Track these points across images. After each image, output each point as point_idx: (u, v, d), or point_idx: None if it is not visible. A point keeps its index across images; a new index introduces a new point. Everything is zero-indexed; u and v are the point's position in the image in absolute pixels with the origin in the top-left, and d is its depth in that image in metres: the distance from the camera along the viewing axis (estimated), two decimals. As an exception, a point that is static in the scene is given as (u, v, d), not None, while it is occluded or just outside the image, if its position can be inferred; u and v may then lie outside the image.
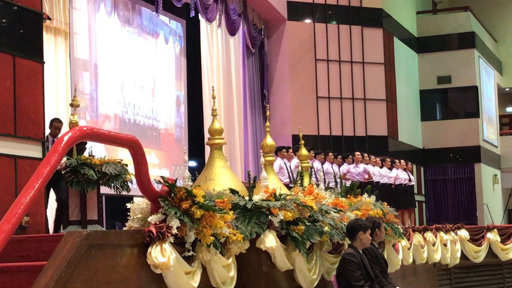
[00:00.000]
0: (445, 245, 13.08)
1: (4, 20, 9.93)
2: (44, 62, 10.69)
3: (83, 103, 13.69)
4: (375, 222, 8.49)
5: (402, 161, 17.94)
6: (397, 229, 9.82)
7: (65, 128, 10.75)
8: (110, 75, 14.83)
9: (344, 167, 16.27)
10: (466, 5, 28.92)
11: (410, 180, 17.81)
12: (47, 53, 12.28)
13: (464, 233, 13.80)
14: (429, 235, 12.45)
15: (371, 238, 7.83)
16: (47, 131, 10.37)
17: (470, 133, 27.09)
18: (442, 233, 13.01)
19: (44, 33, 11.66)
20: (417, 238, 11.83)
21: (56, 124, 10.69)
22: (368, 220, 8.32)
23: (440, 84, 27.54)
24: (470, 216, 25.98)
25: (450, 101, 28.51)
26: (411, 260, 11.34)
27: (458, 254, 13.54)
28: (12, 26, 10.05)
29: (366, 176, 16.16)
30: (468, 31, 27.58)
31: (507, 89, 33.15)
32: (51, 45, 13.43)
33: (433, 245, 12.60)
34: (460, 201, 27.04)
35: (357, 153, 16.73)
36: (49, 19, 12.86)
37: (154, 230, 5.37)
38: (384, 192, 15.44)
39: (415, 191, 24.55)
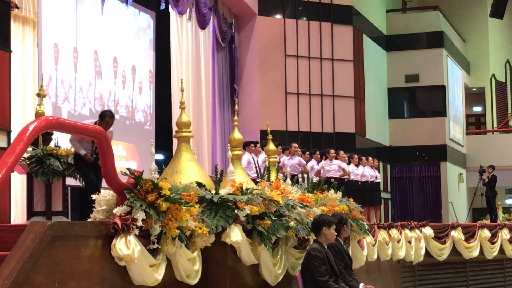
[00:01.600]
0: (409, 242, 13.17)
1: (-29, 8, 9.82)
2: (11, 51, 10.60)
3: (57, 93, 13.58)
4: (342, 219, 8.51)
5: (369, 158, 18.02)
6: (362, 226, 9.86)
7: (32, 118, 10.66)
8: (79, 66, 14.71)
9: (313, 163, 16.29)
10: (436, 4, 29.15)
11: (376, 177, 17.91)
12: (14, 42, 12.17)
13: (428, 230, 13.90)
14: (394, 232, 12.52)
15: (336, 233, 7.85)
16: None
17: (436, 132, 27.31)
18: (407, 230, 13.10)
19: (12, 22, 11.56)
20: (382, 234, 11.90)
21: (108, 119, 8.91)
22: (335, 216, 8.35)
23: (408, 82, 27.73)
24: (435, 214, 26.20)
25: (417, 99, 28.72)
26: (375, 257, 11.41)
27: (423, 252, 13.64)
28: (-20, 14, 9.95)
29: (341, 173, 16.20)
30: (437, 31, 27.78)
31: (474, 89, 33.45)
32: (19, 34, 13.30)
33: (398, 242, 12.69)
34: (426, 199, 27.25)
35: (332, 150, 16.80)
36: (17, 7, 12.73)
37: (119, 222, 5.34)
38: (351, 188, 15.50)
39: (381, 188, 24.70)
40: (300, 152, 15.72)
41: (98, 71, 15.36)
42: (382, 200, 22.67)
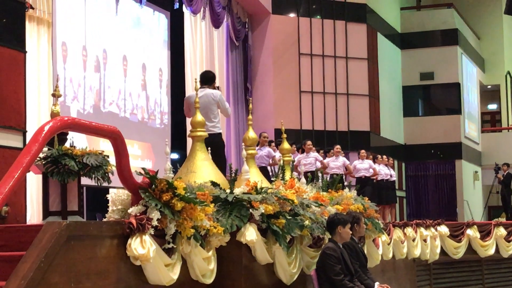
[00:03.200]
0: (425, 240, 13.13)
1: (-14, 9, 9.87)
2: (26, 52, 10.63)
3: (71, 94, 13.63)
4: (354, 217, 8.50)
5: (384, 156, 18.00)
6: (377, 224, 9.84)
7: (47, 119, 10.70)
8: (92, 66, 14.75)
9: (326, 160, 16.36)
10: (450, 2, 29.02)
11: (391, 175, 17.88)
12: (29, 43, 12.21)
13: (444, 229, 13.85)
14: (409, 230, 12.49)
15: (351, 232, 7.84)
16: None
17: (451, 129, 27.21)
18: (422, 229, 13.05)
19: (26, 22, 11.60)
20: (397, 233, 11.87)
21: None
22: (348, 215, 8.33)
23: (422, 80, 27.64)
24: (450, 212, 26.11)
25: (432, 97, 28.63)
26: (391, 255, 11.38)
27: (438, 250, 13.59)
28: (-5, 15, 9.98)
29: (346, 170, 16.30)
30: (452, 28, 27.69)
31: (489, 87, 33.31)
32: (34, 35, 13.34)
33: (413, 240, 12.65)
34: (441, 197, 27.17)
35: (337, 146, 16.81)
36: (32, 8, 12.77)
37: (134, 222, 5.35)
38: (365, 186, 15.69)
39: (396, 186, 24.66)
40: (315, 149, 15.79)
41: (113, 71, 15.40)
42: (397, 199, 22.65)
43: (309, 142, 15.64)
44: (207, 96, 9.31)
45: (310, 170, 14.00)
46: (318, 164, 15.29)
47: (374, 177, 16.85)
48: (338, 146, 16.50)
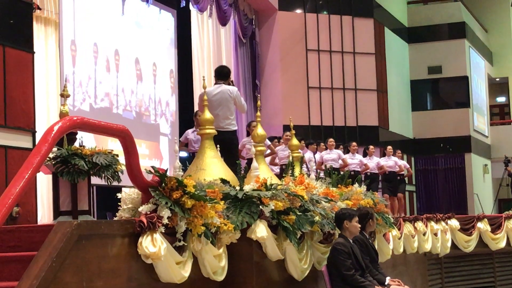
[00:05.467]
0: (435, 234, 13.12)
1: (-6, 10, 9.90)
2: (34, 52, 10.68)
3: (79, 94, 13.65)
4: (368, 213, 8.51)
5: (388, 147, 17.77)
6: (387, 219, 9.84)
7: (56, 119, 10.72)
8: (100, 65, 14.78)
9: (309, 155, 16.36)
10: (457, -5, 28.98)
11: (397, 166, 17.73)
12: (37, 43, 12.24)
13: (454, 222, 13.85)
14: (419, 224, 12.48)
15: (359, 226, 7.83)
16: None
17: (460, 123, 27.16)
18: (432, 223, 13.05)
19: (34, 23, 11.63)
20: (407, 227, 11.87)
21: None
22: (359, 210, 8.34)
23: (430, 74, 27.58)
24: (460, 205, 26.05)
25: (440, 91, 28.56)
26: (401, 250, 11.38)
27: (449, 244, 13.59)
28: (2, 16, 10.02)
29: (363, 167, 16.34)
30: (459, 21, 27.61)
31: (497, 79, 33.22)
32: (41, 35, 13.38)
33: (424, 234, 12.64)
34: (451, 191, 27.12)
35: (354, 143, 16.83)
36: (39, 9, 12.81)
37: (144, 220, 5.36)
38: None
39: (406, 181, 24.64)
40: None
41: (119, 70, 15.42)
42: (407, 193, 22.60)
43: (331, 139, 15.81)
44: (224, 93, 9.31)
45: (334, 167, 14.04)
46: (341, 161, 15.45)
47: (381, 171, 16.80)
48: (355, 144, 16.45)
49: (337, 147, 16.08)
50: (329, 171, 10.48)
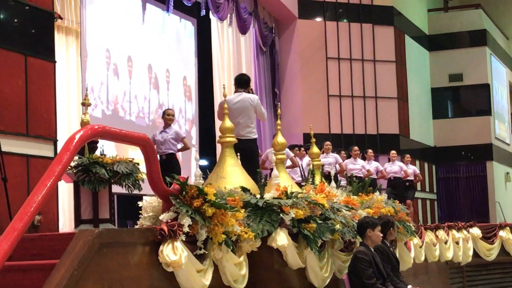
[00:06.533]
0: (457, 243, 13.04)
1: (16, 20, 9.96)
2: (55, 62, 10.72)
3: (99, 102, 13.73)
4: (389, 221, 8.48)
5: (392, 152, 17.55)
6: (409, 227, 9.80)
7: (77, 127, 10.77)
8: (120, 74, 14.85)
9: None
10: (478, 2, 28.80)
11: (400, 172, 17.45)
12: (58, 53, 12.31)
13: (476, 231, 13.76)
14: (441, 233, 12.41)
15: (381, 235, 7.80)
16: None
17: (482, 131, 27.01)
18: (454, 231, 12.97)
19: (55, 32, 11.70)
20: (429, 236, 11.81)
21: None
22: (381, 219, 8.31)
23: (451, 82, 27.47)
24: (482, 214, 25.89)
25: (461, 99, 28.42)
26: (423, 258, 11.32)
27: (471, 252, 13.50)
28: (24, 26, 10.08)
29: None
30: (480, 29, 27.49)
31: (519, 87, 33.05)
32: (63, 45, 13.46)
33: (445, 243, 12.57)
34: (472, 199, 26.97)
35: (370, 150, 16.71)
36: (61, 18, 12.89)
37: (165, 228, 5.37)
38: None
39: (427, 189, 24.56)
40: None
41: (139, 79, 15.48)
42: (428, 201, 22.51)
43: (327, 143, 15.44)
44: (245, 101, 9.31)
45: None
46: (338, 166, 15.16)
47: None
48: (356, 148, 16.23)
49: (341, 154, 15.94)
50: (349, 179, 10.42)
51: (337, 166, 15.13)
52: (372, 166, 16.32)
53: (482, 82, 27.36)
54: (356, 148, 16.09)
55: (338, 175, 14.46)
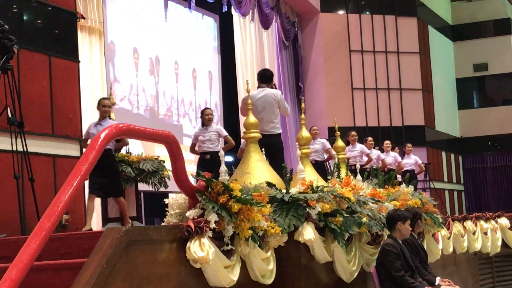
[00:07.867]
0: (485, 233, 12.96)
1: (39, 21, 10.03)
2: (79, 61, 10.79)
3: (126, 100, 13.78)
4: (416, 214, 8.44)
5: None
6: (436, 219, 9.75)
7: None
8: (143, 71, 14.89)
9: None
10: (501, -9, 28.61)
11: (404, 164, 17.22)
12: (82, 52, 12.38)
13: (504, 221, 13.66)
14: (469, 224, 12.33)
15: (411, 228, 7.77)
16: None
17: (508, 120, 26.81)
18: (482, 222, 12.89)
19: (78, 32, 11.76)
20: (457, 227, 11.73)
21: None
22: (409, 211, 8.26)
23: (476, 72, 27.29)
24: (510, 204, 25.70)
25: (487, 88, 28.22)
26: (451, 250, 11.25)
27: (499, 243, 13.41)
28: (47, 26, 10.15)
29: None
30: (504, 17, 27.27)
31: (545, 75, 32.73)
32: (86, 44, 13.53)
33: (473, 234, 12.49)
34: (500, 189, 26.79)
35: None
36: (83, 18, 12.95)
37: (192, 225, 5.37)
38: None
39: (454, 180, 24.41)
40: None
41: (163, 75, 15.51)
42: (455, 192, 22.35)
43: (353, 133, 15.20)
44: (268, 96, 9.29)
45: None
46: (365, 158, 14.94)
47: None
48: (370, 138, 16.00)
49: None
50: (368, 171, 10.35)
51: (364, 157, 14.99)
52: (389, 157, 16.11)
53: (507, 71, 27.15)
54: (370, 138, 15.85)
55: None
